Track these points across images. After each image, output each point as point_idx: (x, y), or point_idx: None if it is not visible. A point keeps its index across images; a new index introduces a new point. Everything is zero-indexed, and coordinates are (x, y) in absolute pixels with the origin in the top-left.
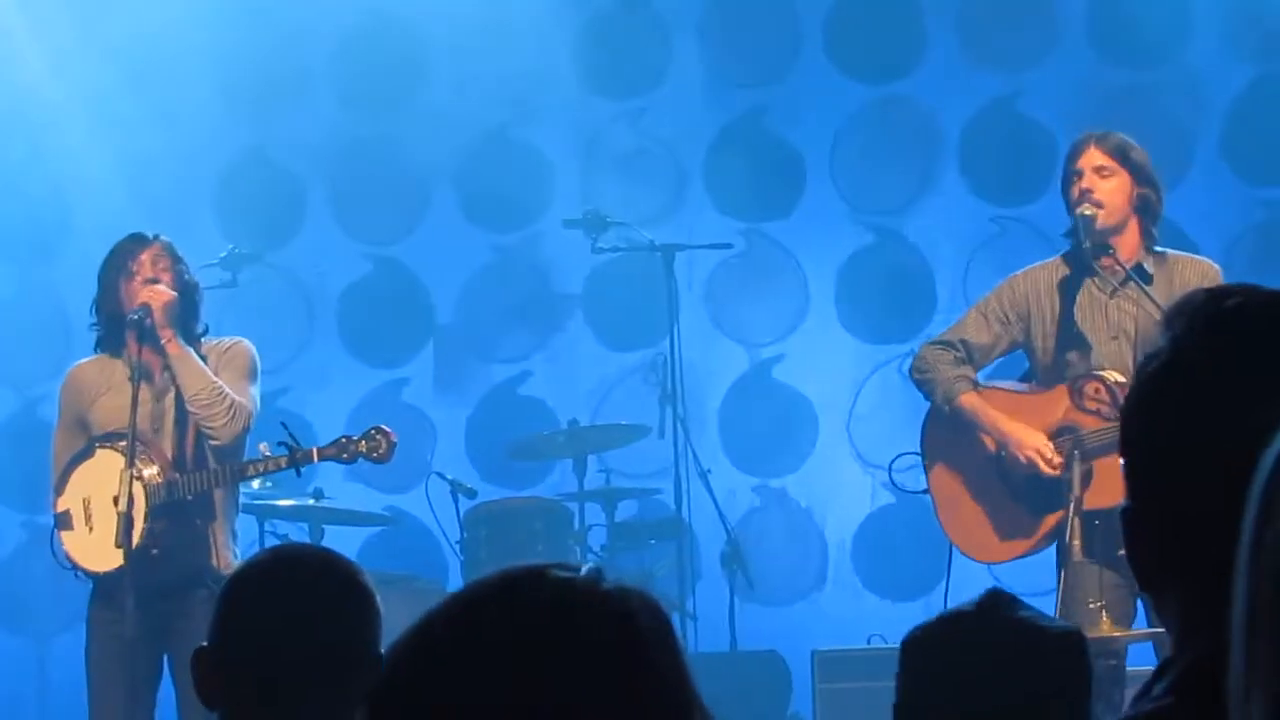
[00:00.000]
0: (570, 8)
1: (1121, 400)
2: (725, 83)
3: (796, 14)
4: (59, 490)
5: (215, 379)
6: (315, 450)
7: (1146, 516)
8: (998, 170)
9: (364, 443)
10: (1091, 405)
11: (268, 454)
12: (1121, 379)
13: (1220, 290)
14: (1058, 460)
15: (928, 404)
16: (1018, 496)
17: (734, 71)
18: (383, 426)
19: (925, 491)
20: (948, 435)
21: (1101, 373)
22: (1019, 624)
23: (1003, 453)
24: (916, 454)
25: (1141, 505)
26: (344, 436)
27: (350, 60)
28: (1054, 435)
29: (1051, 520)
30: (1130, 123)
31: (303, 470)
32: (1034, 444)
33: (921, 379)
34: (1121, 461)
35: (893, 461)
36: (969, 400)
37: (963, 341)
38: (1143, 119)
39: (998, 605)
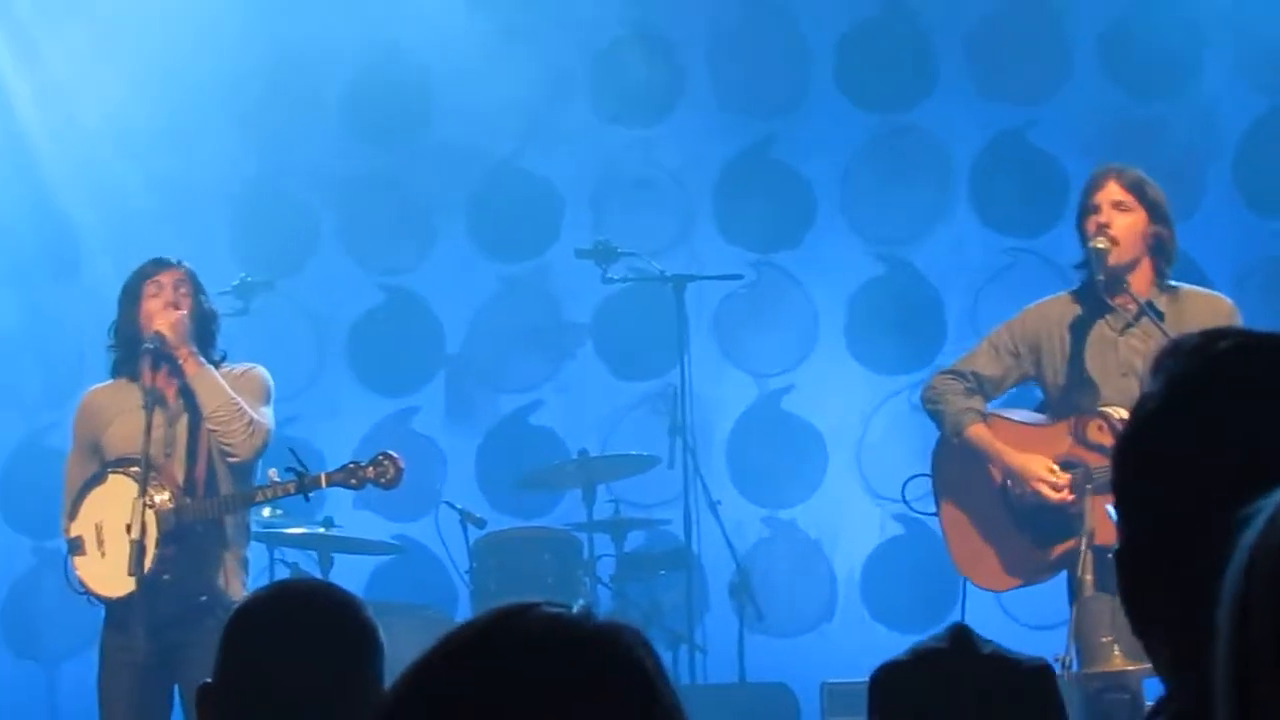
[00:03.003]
0: (580, 38)
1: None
2: (735, 113)
3: (807, 44)
4: (72, 515)
5: (234, 396)
6: (323, 475)
7: (1138, 559)
8: (1008, 201)
9: (372, 468)
10: (1095, 440)
11: (276, 480)
12: (1126, 416)
13: (1213, 333)
14: (1063, 483)
15: (938, 433)
16: (1023, 527)
17: (744, 101)
18: (390, 452)
19: (936, 514)
20: (957, 465)
21: (1106, 409)
22: (989, 659)
23: (1009, 483)
24: (928, 475)
25: (1133, 547)
26: (352, 462)
27: (362, 91)
28: (1060, 465)
29: (1058, 550)
30: (1142, 154)
31: (311, 496)
32: (1039, 473)
33: (932, 409)
34: (1113, 503)
35: (906, 483)
36: (976, 432)
37: (974, 373)
38: (1155, 150)
39: (967, 641)
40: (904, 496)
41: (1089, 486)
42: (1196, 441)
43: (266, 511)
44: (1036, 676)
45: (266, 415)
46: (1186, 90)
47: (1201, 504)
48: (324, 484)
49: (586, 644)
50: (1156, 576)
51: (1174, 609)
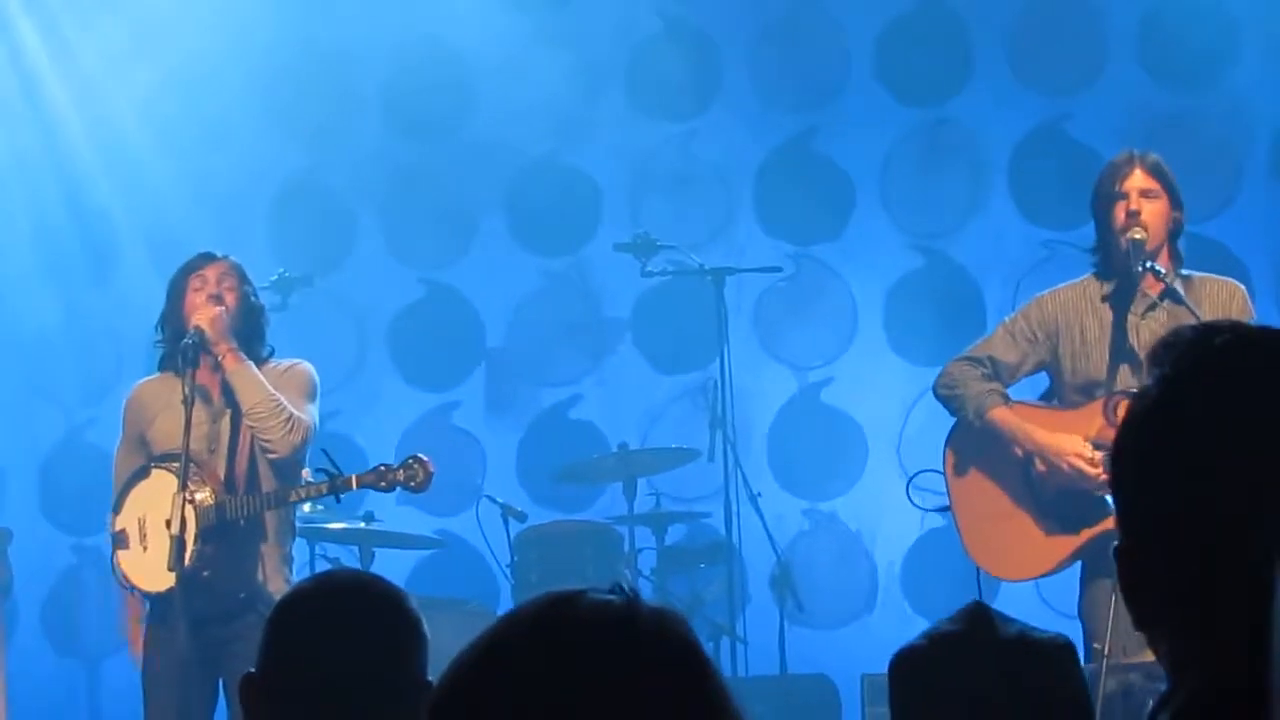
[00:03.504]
0: (618, 32)
1: None
2: (774, 106)
3: (846, 37)
4: (116, 509)
5: (273, 392)
6: (354, 477)
7: (1139, 554)
8: (1047, 193)
9: (402, 471)
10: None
11: (309, 480)
12: None
13: (1208, 327)
14: (1098, 459)
15: (953, 420)
16: (1046, 514)
17: (783, 94)
18: (421, 456)
19: (945, 509)
20: (975, 451)
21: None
22: (1010, 637)
23: (1034, 467)
24: (938, 471)
25: (1133, 543)
26: (382, 465)
27: (401, 86)
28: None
29: (1085, 535)
30: (1179, 145)
31: (342, 497)
32: (1074, 449)
33: (949, 394)
34: (1111, 499)
35: (911, 478)
36: (1000, 414)
37: (990, 358)
38: (1192, 141)
39: (983, 621)
40: (909, 493)
41: None
42: (1194, 436)
43: (307, 507)
44: (1056, 654)
45: (309, 412)
46: (1222, 81)
47: (1199, 499)
48: (355, 486)
49: (638, 627)
50: (1155, 574)
51: (1173, 607)
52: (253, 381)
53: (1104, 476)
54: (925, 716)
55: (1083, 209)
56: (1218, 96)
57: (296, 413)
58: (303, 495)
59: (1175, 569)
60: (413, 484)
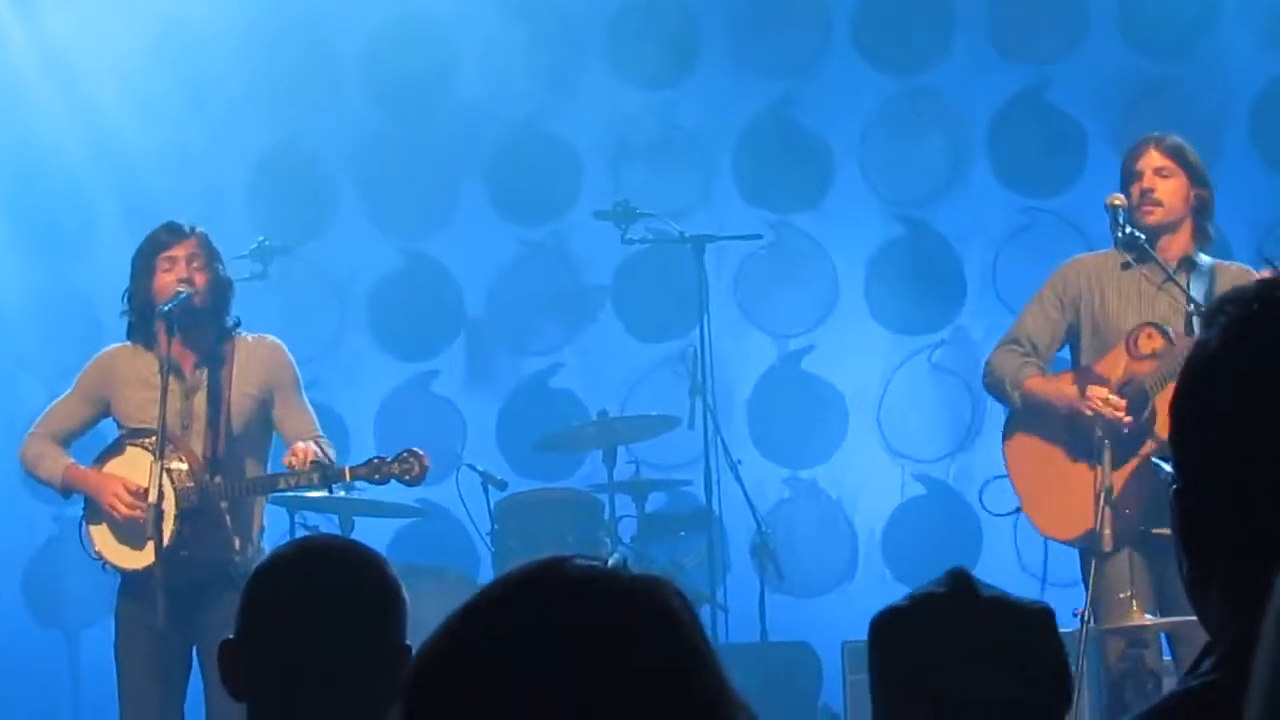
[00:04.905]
0: (598, 0)
1: (1174, 339)
2: (754, 74)
3: (825, 5)
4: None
5: (321, 450)
6: (348, 469)
7: (1197, 495)
8: (1027, 161)
9: (397, 464)
10: (1146, 350)
11: (300, 469)
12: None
13: (1273, 281)
14: (1122, 404)
15: (1006, 413)
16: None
17: (763, 63)
18: (416, 450)
19: (1017, 511)
20: (1025, 429)
21: (1153, 321)
22: (989, 602)
23: (1076, 421)
24: (1003, 477)
25: (1194, 484)
26: (377, 458)
27: (380, 54)
28: (1117, 392)
29: (1122, 474)
30: (1159, 113)
31: (335, 488)
32: (1097, 393)
33: (991, 381)
34: (1170, 441)
35: (984, 487)
36: (1035, 382)
37: (1025, 337)
38: (1172, 110)
39: (967, 585)
40: (982, 502)
41: (1106, 442)
42: (1256, 384)
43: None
44: (1036, 619)
45: (308, 407)
46: (1203, 49)
47: (1262, 448)
48: (348, 478)
49: (625, 594)
50: (1215, 524)
51: (1231, 558)
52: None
53: (1126, 420)
54: (905, 676)
55: (1062, 177)
56: (1198, 65)
57: (326, 449)
58: (293, 483)
59: (1234, 520)
60: (408, 477)
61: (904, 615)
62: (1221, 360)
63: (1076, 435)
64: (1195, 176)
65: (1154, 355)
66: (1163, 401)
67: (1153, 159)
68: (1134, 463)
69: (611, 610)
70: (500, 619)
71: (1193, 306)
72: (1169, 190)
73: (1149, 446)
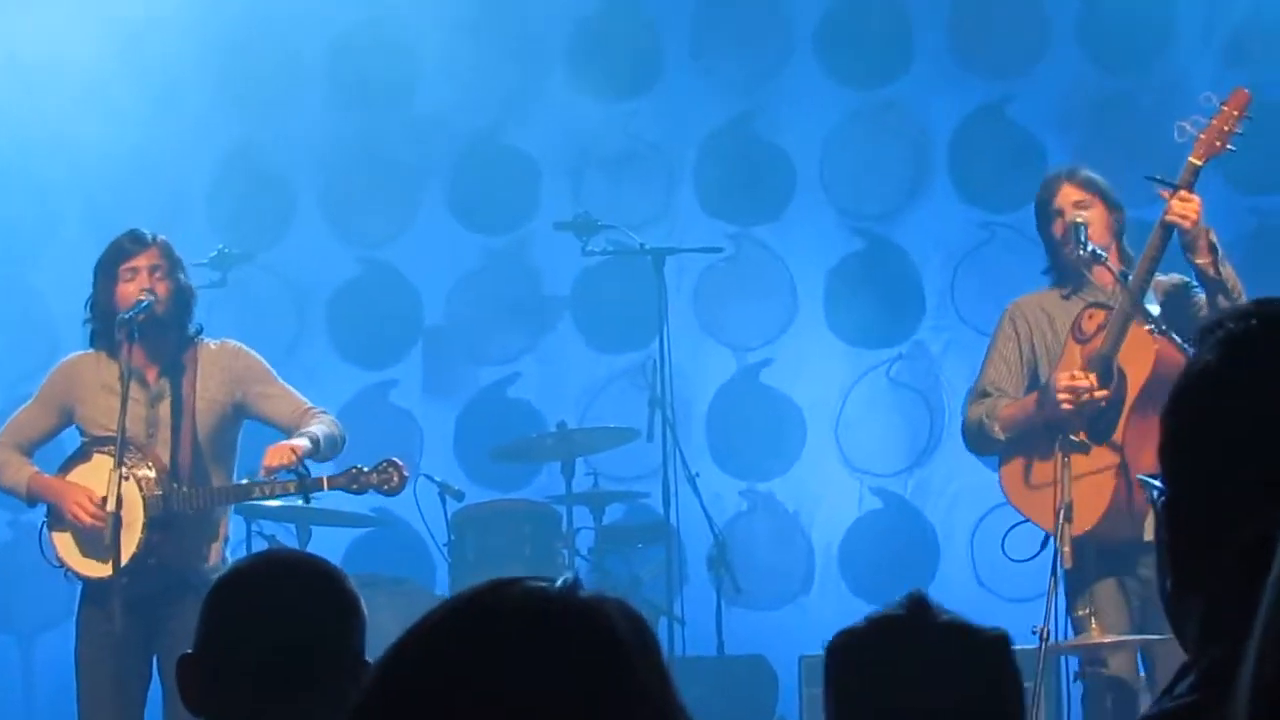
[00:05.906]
0: (560, 11)
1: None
2: (715, 86)
3: (787, 18)
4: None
5: (330, 428)
6: (325, 479)
7: (1190, 507)
8: (987, 176)
9: (375, 475)
10: (1091, 328)
11: (275, 478)
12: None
13: (1270, 300)
14: (1091, 376)
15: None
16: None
17: (724, 75)
18: (395, 460)
19: (1035, 557)
20: (1014, 452)
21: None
22: (945, 627)
23: (1055, 428)
24: (1024, 520)
25: (1180, 504)
26: (355, 467)
27: (342, 61)
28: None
29: (1108, 451)
30: (1119, 128)
31: (311, 498)
32: (1062, 379)
33: (972, 432)
34: (1160, 452)
35: (1006, 534)
36: (1008, 409)
37: (992, 385)
38: (1132, 124)
39: (924, 609)
40: (1003, 548)
41: (1061, 454)
42: (1249, 400)
43: (245, 480)
44: (992, 646)
45: (291, 390)
46: (1163, 65)
47: (1254, 463)
48: (325, 487)
49: (558, 617)
50: (1203, 537)
51: (1217, 574)
52: (327, 432)
53: (1101, 391)
54: (861, 698)
55: (1023, 192)
56: (1157, 79)
57: (331, 423)
58: (267, 492)
59: (1224, 534)
60: (386, 487)
61: (860, 637)
62: (1223, 377)
63: (1057, 434)
64: (1110, 201)
65: (1101, 328)
66: (1126, 357)
67: (1069, 194)
68: (1100, 472)
69: (539, 634)
70: (440, 644)
71: (1152, 325)
72: (1092, 220)
73: (1119, 433)
